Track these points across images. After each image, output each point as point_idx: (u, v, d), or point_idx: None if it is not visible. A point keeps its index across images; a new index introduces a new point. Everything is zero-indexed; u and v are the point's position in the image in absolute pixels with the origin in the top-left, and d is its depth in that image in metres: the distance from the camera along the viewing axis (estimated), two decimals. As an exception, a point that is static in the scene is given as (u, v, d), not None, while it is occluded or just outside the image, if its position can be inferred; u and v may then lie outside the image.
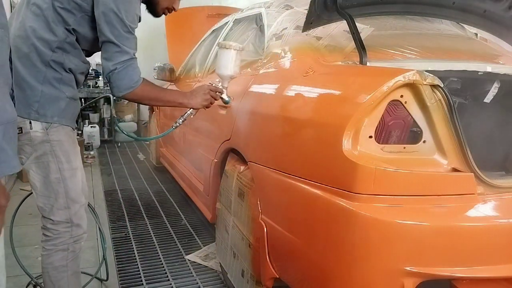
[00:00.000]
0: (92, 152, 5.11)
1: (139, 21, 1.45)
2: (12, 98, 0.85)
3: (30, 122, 1.37)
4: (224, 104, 1.72)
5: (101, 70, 1.43)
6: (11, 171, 0.79)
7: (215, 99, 1.63)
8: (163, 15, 1.65)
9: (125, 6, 1.36)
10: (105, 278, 2.07)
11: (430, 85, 1.16)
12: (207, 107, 1.62)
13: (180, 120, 1.68)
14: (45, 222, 1.47)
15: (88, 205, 2.02)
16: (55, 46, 1.38)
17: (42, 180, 1.43)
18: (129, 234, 2.69)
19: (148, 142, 5.18)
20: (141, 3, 1.51)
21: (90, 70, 1.57)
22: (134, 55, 1.42)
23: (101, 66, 1.58)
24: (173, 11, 1.62)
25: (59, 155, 1.43)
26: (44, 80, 1.38)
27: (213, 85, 1.64)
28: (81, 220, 1.51)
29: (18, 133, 1.34)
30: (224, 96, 1.65)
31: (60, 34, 1.38)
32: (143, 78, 1.46)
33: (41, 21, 1.37)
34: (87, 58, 1.52)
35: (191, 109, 1.65)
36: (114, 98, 2.43)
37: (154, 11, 1.59)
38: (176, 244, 2.54)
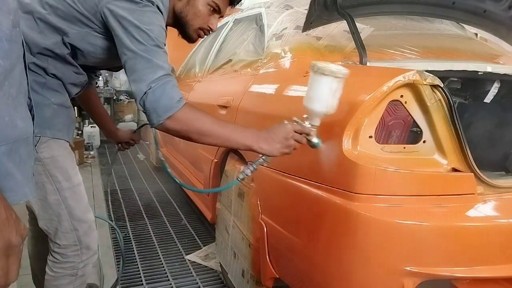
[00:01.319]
0: (92, 152, 5.11)
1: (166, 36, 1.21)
2: (30, 108, 0.71)
3: None
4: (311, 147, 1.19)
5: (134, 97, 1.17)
6: (21, 200, 0.64)
7: (300, 143, 1.16)
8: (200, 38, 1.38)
9: (147, 18, 1.13)
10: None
11: (430, 85, 1.16)
12: (286, 154, 1.17)
13: (249, 171, 1.22)
14: (52, 246, 1.34)
15: (113, 227, 1.92)
16: (36, 51, 1.19)
17: (39, 204, 1.28)
18: (129, 234, 2.69)
19: (148, 142, 5.17)
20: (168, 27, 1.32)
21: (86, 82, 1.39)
22: (170, 71, 1.14)
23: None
24: (211, 32, 1.34)
25: (54, 174, 1.26)
26: None
27: (299, 123, 1.16)
28: (91, 241, 1.37)
29: None
30: (313, 138, 1.16)
31: (51, 42, 1.20)
32: (187, 103, 1.15)
33: (30, 21, 1.19)
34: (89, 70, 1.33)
35: (265, 156, 1.19)
36: (153, 130, 2.06)
37: (187, 35, 1.33)
38: (176, 244, 2.54)
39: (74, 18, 1.18)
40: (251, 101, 1.81)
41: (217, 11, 1.30)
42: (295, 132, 1.14)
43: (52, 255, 1.34)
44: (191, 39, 1.35)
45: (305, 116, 1.16)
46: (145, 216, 3.05)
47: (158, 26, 1.15)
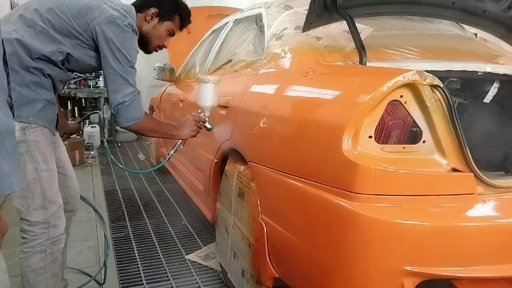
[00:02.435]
0: (92, 152, 5.11)
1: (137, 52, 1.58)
2: (11, 107, 0.77)
3: None
4: (207, 130, 1.85)
5: (109, 101, 1.57)
6: (7, 190, 0.67)
7: (200, 128, 1.78)
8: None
9: (127, 43, 1.49)
10: (102, 282, 2.06)
11: (430, 85, 1.16)
12: (193, 137, 1.78)
13: (172, 152, 1.84)
14: (23, 224, 1.47)
15: (94, 210, 2.20)
16: (36, 57, 1.42)
17: None
18: (129, 234, 2.69)
19: (148, 142, 5.17)
20: None
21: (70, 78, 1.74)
22: (136, 88, 1.54)
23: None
24: (163, 48, 1.76)
25: (35, 155, 1.44)
26: (22, 84, 1.40)
27: (197, 116, 1.78)
28: (59, 220, 1.51)
29: None
30: (207, 124, 1.79)
31: (49, 50, 1.44)
32: (145, 113, 1.60)
33: (32, 33, 1.42)
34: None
35: (180, 140, 1.78)
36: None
37: (147, 50, 1.72)
38: (176, 244, 2.54)
39: (69, 32, 1.47)
40: (251, 101, 1.81)
41: (172, 34, 1.74)
42: (196, 121, 1.75)
43: (22, 236, 1.48)
44: (148, 53, 1.75)
45: (199, 110, 1.79)
46: (145, 216, 3.05)
47: (134, 50, 1.53)
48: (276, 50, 1.86)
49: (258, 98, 1.79)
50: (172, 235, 2.70)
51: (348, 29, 1.46)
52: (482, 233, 1.15)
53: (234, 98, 1.94)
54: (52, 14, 1.45)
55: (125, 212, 3.12)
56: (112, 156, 1.95)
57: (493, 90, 1.65)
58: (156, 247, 2.49)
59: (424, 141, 1.21)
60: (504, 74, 1.57)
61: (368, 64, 1.40)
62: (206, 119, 1.78)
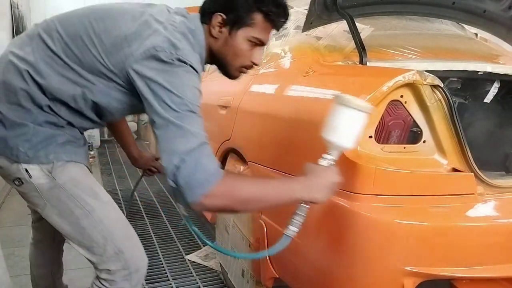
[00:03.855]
0: (92, 152, 5.11)
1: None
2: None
3: (27, 170, 1.10)
4: None
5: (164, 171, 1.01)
6: None
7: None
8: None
9: (180, 80, 1.01)
10: None
11: (430, 85, 1.16)
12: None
13: (299, 223, 1.06)
14: (99, 273, 1.19)
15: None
16: (51, 98, 1.10)
17: (74, 231, 1.16)
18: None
19: (148, 142, 5.17)
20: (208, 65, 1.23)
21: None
22: (205, 138, 1.00)
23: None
24: (253, 67, 1.21)
25: (80, 196, 1.14)
26: (35, 122, 1.10)
27: (326, 160, 1.07)
28: (140, 261, 1.21)
29: (18, 185, 1.13)
30: None
31: (67, 95, 1.10)
32: (224, 170, 1.03)
33: (50, 66, 1.09)
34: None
35: (304, 205, 1.06)
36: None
37: (229, 74, 1.22)
38: (176, 244, 2.54)
39: (99, 71, 1.09)
40: (251, 101, 1.81)
41: (260, 44, 1.16)
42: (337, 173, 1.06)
43: (99, 281, 1.19)
44: (233, 78, 1.23)
45: (329, 152, 1.07)
46: (145, 216, 3.04)
47: (191, 88, 1.02)
48: (276, 50, 1.86)
49: (258, 98, 1.79)
50: (172, 235, 2.70)
51: (348, 28, 1.46)
52: (482, 233, 1.15)
53: (234, 98, 1.94)
54: (79, 44, 1.08)
55: (125, 212, 3.11)
56: (194, 228, 1.46)
57: (494, 90, 1.64)
58: (156, 247, 2.49)
59: (424, 141, 1.21)
60: (504, 74, 1.57)
61: (368, 64, 1.40)
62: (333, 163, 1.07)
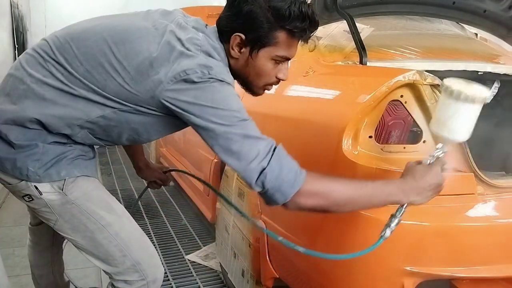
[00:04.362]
0: (92, 152, 5.10)
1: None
2: None
3: (36, 187, 1.07)
4: None
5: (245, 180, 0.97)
6: None
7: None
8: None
9: (220, 94, 0.97)
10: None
11: (430, 85, 1.16)
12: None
13: (394, 224, 1.00)
14: (116, 283, 1.19)
15: None
16: (76, 123, 1.05)
17: (89, 245, 1.14)
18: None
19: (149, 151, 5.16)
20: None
21: None
22: (273, 140, 0.98)
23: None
24: (279, 82, 1.15)
25: (94, 211, 1.12)
26: (44, 141, 1.06)
27: (434, 156, 1.02)
28: (157, 271, 1.21)
29: (28, 201, 1.11)
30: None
31: (92, 117, 1.05)
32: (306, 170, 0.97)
33: (62, 93, 1.04)
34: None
35: (405, 205, 0.99)
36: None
37: (253, 92, 1.17)
38: (176, 244, 2.54)
39: (126, 98, 1.02)
40: (251, 101, 1.80)
41: (285, 59, 1.09)
42: (442, 171, 1.00)
43: None
44: (256, 95, 1.18)
45: (438, 146, 1.02)
46: (145, 216, 3.04)
47: (234, 97, 0.99)
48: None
49: (258, 98, 1.78)
50: (172, 235, 2.70)
51: (348, 28, 1.46)
52: (482, 233, 1.15)
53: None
54: (101, 71, 1.02)
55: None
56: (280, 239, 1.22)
57: (494, 90, 1.64)
58: (156, 247, 2.49)
59: (424, 141, 1.21)
60: (504, 74, 1.57)
61: (368, 64, 1.40)
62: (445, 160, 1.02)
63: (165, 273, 2.17)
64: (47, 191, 1.08)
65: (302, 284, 1.42)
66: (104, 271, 1.18)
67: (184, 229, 2.80)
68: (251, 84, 1.13)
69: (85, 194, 1.11)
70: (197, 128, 0.98)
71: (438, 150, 1.01)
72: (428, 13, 1.85)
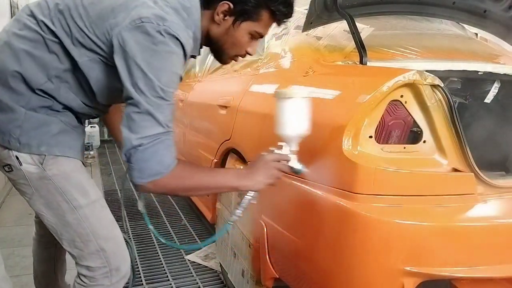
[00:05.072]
0: (92, 152, 5.11)
1: (180, 80, 1.07)
2: None
3: (17, 157, 1.09)
4: (294, 174, 1.22)
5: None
6: None
7: (283, 171, 1.16)
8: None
9: (158, 62, 0.99)
10: None
11: (430, 85, 1.16)
12: (272, 185, 1.16)
13: (239, 211, 1.18)
14: (79, 269, 1.21)
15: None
16: (54, 74, 1.08)
17: (58, 223, 1.16)
18: (129, 234, 2.69)
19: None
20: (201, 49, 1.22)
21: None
22: (170, 128, 1.02)
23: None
24: (245, 56, 1.23)
25: (69, 191, 1.13)
26: (27, 106, 1.08)
27: (275, 152, 1.16)
28: (121, 261, 1.23)
29: (8, 171, 1.13)
30: (294, 164, 1.16)
31: (66, 64, 1.08)
32: (178, 160, 1.05)
33: (39, 43, 1.08)
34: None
35: (251, 193, 1.16)
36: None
37: (221, 60, 1.24)
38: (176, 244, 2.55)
39: (86, 44, 1.06)
40: (251, 101, 1.81)
41: (259, 37, 1.18)
42: (274, 161, 1.14)
43: (79, 277, 1.21)
44: (224, 64, 1.28)
45: (281, 143, 1.15)
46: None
47: (169, 73, 1.01)
48: (276, 50, 1.86)
49: (258, 98, 1.79)
50: (172, 235, 2.70)
51: (348, 28, 1.46)
52: (482, 233, 1.15)
53: (234, 98, 1.94)
54: (67, 17, 1.07)
55: (125, 212, 3.11)
56: (150, 227, 1.46)
57: (494, 90, 1.64)
58: (156, 247, 2.49)
59: (424, 141, 1.21)
60: (504, 74, 1.57)
61: (368, 63, 1.40)
62: (293, 156, 1.15)
63: (165, 273, 2.18)
64: (27, 162, 1.09)
65: (302, 284, 1.42)
66: (70, 253, 1.20)
67: (184, 229, 2.80)
68: (224, 52, 1.20)
69: (63, 173, 1.13)
70: (122, 78, 1.01)
71: (281, 147, 1.15)
72: (428, 13, 1.85)
